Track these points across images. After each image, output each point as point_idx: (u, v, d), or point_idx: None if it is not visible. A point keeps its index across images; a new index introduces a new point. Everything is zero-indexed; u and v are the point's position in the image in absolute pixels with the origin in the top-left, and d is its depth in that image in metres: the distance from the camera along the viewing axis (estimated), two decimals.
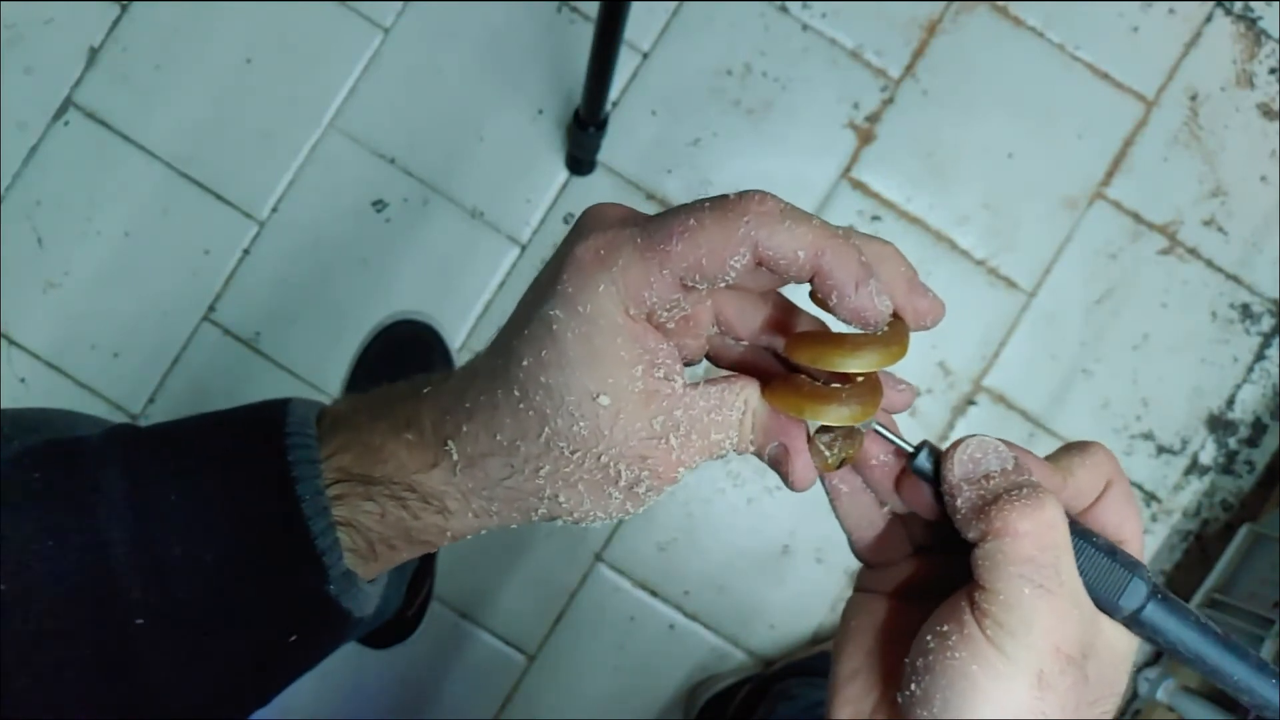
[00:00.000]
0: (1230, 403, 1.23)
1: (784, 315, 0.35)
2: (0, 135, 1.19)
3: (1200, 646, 0.33)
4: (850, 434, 0.34)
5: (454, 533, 0.35)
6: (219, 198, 1.20)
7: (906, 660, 0.32)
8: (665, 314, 0.32)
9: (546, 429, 0.32)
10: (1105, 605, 0.33)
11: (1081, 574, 0.32)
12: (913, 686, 0.31)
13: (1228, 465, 1.23)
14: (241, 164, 1.20)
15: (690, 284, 0.31)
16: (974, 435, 0.33)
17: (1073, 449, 0.35)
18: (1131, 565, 0.33)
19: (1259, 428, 1.23)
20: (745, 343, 0.36)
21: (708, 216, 0.30)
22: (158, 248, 1.20)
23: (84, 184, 1.20)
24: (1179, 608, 0.33)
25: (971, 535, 0.32)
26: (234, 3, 1.20)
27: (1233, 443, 1.23)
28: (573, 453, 0.32)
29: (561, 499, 0.33)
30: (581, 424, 0.31)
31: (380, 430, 0.35)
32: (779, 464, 0.34)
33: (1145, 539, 1.22)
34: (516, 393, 0.32)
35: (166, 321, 1.19)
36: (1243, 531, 1.14)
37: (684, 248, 0.30)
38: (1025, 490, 0.31)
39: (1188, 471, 1.23)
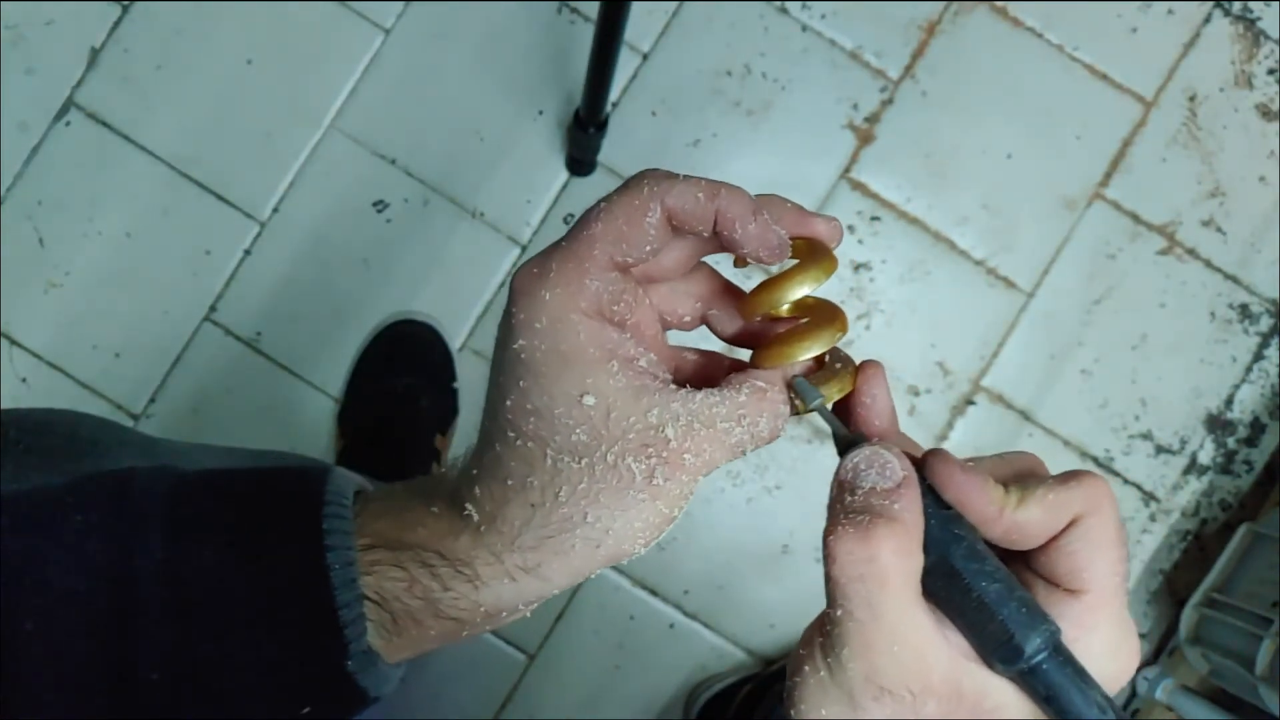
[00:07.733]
0: (1229, 402, 1.23)
1: (715, 292, 0.37)
2: (1, 135, 1.19)
3: None
4: (831, 371, 0.35)
5: (487, 607, 0.35)
6: (220, 198, 1.20)
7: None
8: (615, 306, 0.34)
9: (549, 451, 0.32)
10: (983, 656, 0.31)
11: (961, 615, 0.31)
12: (789, 670, 0.33)
13: (1226, 465, 1.23)
14: (242, 164, 1.20)
15: (621, 258, 0.33)
16: (873, 446, 0.32)
17: (1058, 477, 0.33)
18: (1022, 619, 0.30)
19: (1257, 427, 1.23)
20: (698, 358, 0.38)
21: (615, 194, 0.33)
22: (159, 248, 1.20)
23: (85, 184, 1.20)
24: (1075, 677, 0.30)
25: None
26: (235, 3, 1.20)
27: (1231, 442, 1.23)
28: (580, 461, 0.32)
29: (590, 518, 0.33)
30: (578, 431, 0.32)
31: (412, 505, 0.36)
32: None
33: (1144, 539, 1.22)
34: (511, 433, 0.33)
35: (167, 321, 1.20)
36: (1241, 531, 1.14)
37: (603, 225, 0.33)
38: (863, 519, 0.30)
39: (1186, 471, 1.23)
